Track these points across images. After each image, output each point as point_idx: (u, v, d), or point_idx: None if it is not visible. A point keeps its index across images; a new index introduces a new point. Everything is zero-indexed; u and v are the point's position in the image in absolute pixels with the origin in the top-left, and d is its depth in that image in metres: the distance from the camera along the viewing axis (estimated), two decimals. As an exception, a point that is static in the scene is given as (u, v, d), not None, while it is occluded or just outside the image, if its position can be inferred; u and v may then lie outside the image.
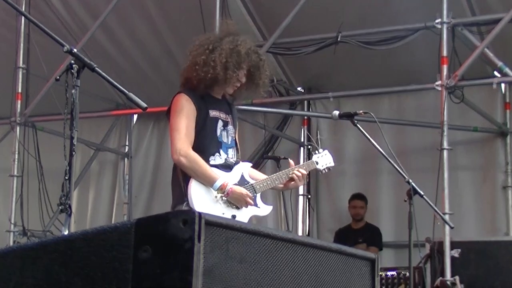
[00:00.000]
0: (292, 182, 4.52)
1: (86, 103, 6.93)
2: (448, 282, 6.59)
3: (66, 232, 3.21)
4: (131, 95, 3.40)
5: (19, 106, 8.53)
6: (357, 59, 8.50)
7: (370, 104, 8.65)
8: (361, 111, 4.98)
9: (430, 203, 5.16)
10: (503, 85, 8.73)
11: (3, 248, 2.92)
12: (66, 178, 3.24)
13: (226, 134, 4.43)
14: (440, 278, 6.64)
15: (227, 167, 4.36)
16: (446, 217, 6.32)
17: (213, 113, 4.37)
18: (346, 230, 8.91)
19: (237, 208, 4.33)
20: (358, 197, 8.89)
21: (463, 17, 7.51)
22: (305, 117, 9.84)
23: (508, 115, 8.94)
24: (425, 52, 7.78)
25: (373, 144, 4.98)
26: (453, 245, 6.72)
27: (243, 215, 4.33)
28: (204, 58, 4.31)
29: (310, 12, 7.90)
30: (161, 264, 2.56)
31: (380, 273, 6.44)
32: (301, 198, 9.72)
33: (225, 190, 4.25)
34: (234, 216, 4.27)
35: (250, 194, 4.34)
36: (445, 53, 7.01)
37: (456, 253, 6.74)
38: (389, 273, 7.32)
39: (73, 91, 3.27)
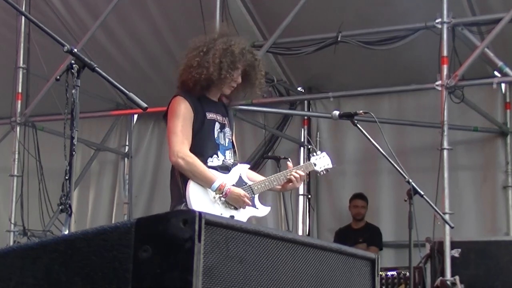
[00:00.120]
0: (290, 184, 4.53)
1: (87, 103, 6.92)
2: (448, 282, 6.59)
3: (66, 232, 3.21)
4: (131, 95, 3.40)
5: (19, 106, 8.53)
6: (357, 59, 8.50)
7: (370, 104, 8.65)
8: (361, 111, 4.98)
9: (430, 203, 5.16)
10: (503, 85, 8.74)
11: (3, 248, 2.92)
12: (66, 178, 3.24)
13: (223, 136, 4.44)
14: (440, 278, 6.64)
15: (225, 168, 4.38)
16: (446, 217, 6.32)
17: (210, 115, 4.39)
18: (346, 230, 8.91)
19: (235, 209, 4.34)
20: (360, 196, 8.89)
21: (463, 17, 7.51)
22: (305, 117, 9.84)
23: (508, 115, 8.94)
24: (425, 52, 7.77)
25: (373, 144, 4.98)
26: (453, 245, 6.72)
27: (241, 216, 4.34)
28: (198, 60, 4.33)
29: (310, 12, 7.90)
30: (161, 264, 2.56)
31: (380, 273, 6.45)
32: (301, 198, 9.72)
33: (223, 190, 4.26)
34: (232, 217, 4.27)
35: (248, 195, 4.35)
36: (445, 53, 7.01)
37: (456, 253, 6.73)
38: (389, 273, 7.32)
39: (73, 91, 3.27)
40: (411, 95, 8.94)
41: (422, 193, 4.96)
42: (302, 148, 9.80)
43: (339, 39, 7.65)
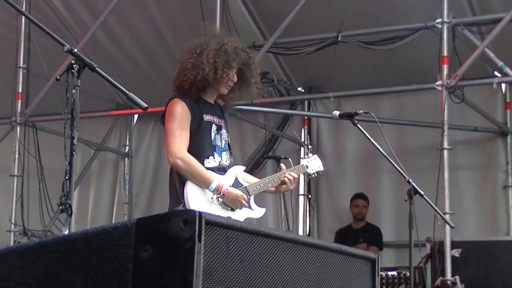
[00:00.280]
0: (284, 186, 4.57)
1: (87, 103, 6.95)
2: (449, 282, 6.59)
3: (66, 232, 3.21)
4: (132, 95, 3.40)
5: (19, 106, 8.53)
6: (358, 59, 8.50)
7: (370, 104, 8.65)
8: (361, 111, 4.99)
9: (431, 202, 5.16)
10: (503, 85, 8.74)
11: (3, 248, 2.92)
12: (67, 178, 3.23)
13: (220, 138, 4.46)
14: (441, 277, 6.64)
15: (221, 169, 4.40)
16: (447, 216, 6.32)
17: (207, 117, 4.41)
18: (347, 230, 8.91)
19: (232, 210, 4.37)
20: (361, 196, 8.90)
21: (463, 17, 7.51)
22: (306, 117, 9.84)
23: (508, 115, 8.94)
24: (425, 52, 7.77)
25: (373, 144, 4.98)
26: (454, 245, 6.72)
27: (238, 217, 4.36)
28: (192, 62, 4.34)
29: (310, 12, 7.91)
30: (161, 264, 2.56)
31: (381, 273, 6.47)
32: (301, 198, 9.72)
33: (221, 191, 4.28)
34: (229, 218, 4.29)
35: (245, 196, 4.38)
36: (445, 53, 7.01)
37: (456, 252, 6.73)
38: (390, 273, 7.32)
39: (73, 91, 3.27)
40: (411, 95, 8.93)
41: (422, 193, 4.97)
42: (302, 148, 9.79)
43: (339, 39, 7.65)
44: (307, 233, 9.60)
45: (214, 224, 2.66)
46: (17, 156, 8.43)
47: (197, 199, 4.25)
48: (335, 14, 8.08)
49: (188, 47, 4.44)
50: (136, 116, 10.47)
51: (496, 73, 7.70)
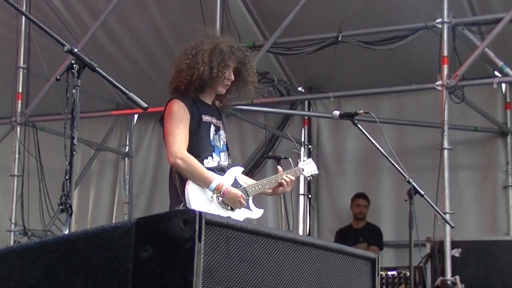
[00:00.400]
0: (281, 188, 4.61)
1: (87, 103, 6.94)
2: (449, 282, 6.59)
3: (66, 232, 3.21)
4: (132, 95, 3.40)
5: (19, 106, 8.53)
6: (358, 59, 8.50)
7: (370, 104, 8.65)
8: (361, 111, 4.99)
9: (431, 202, 5.16)
10: (503, 85, 8.74)
11: (3, 248, 2.92)
12: (67, 177, 3.23)
13: (218, 139, 4.48)
14: (441, 277, 6.64)
15: (220, 170, 4.42)
16: (447, 216, 6.32)
17: (205, 117, 4.42)
18: (347, 230, 8.91)
19: (231, 210, 4.38)
20: (362, 196, 8.90)
21: (463, 17, 7.51)
22: (306, 117, 9.85)
23: (508, 115, 8.94)
24: (425, 52, 7.77)
25: (373, 144, 4.99)
26: (454, 245, 6.72)
27: (237, 217, 4.37)
28: (187, 62, 4.35)
29: (310, 11, 7.90)
30: (161, 264, 2.56)
31: (381, 272, 6.46)
32: (301, 197, 9.72)
33: (221, 190, 4.30)
34: (229, 218, 4.30)
35: (244, 196, 4.39)
36: (445, 53, 7.01)
37: (456, 252, 6.73)
38: (390, 273, 7.32)
39: (73, 91, 3.27)
40: (411, 95, 8.93)
41: (423, 193, 4.97)
42: (302, 148, 9.79)
43: (339, 39, 7.64)
44: (307, 233, 9.60)
45: (214, 224, 2.66)
46: (17, 156, 8.42)
47: (198, 198, 4.26)
48: (335, 14, 8.09)
49: (183, 50, 4.45)
50: (136, 116, 10.48)
51: (496, 73, 7.69)
